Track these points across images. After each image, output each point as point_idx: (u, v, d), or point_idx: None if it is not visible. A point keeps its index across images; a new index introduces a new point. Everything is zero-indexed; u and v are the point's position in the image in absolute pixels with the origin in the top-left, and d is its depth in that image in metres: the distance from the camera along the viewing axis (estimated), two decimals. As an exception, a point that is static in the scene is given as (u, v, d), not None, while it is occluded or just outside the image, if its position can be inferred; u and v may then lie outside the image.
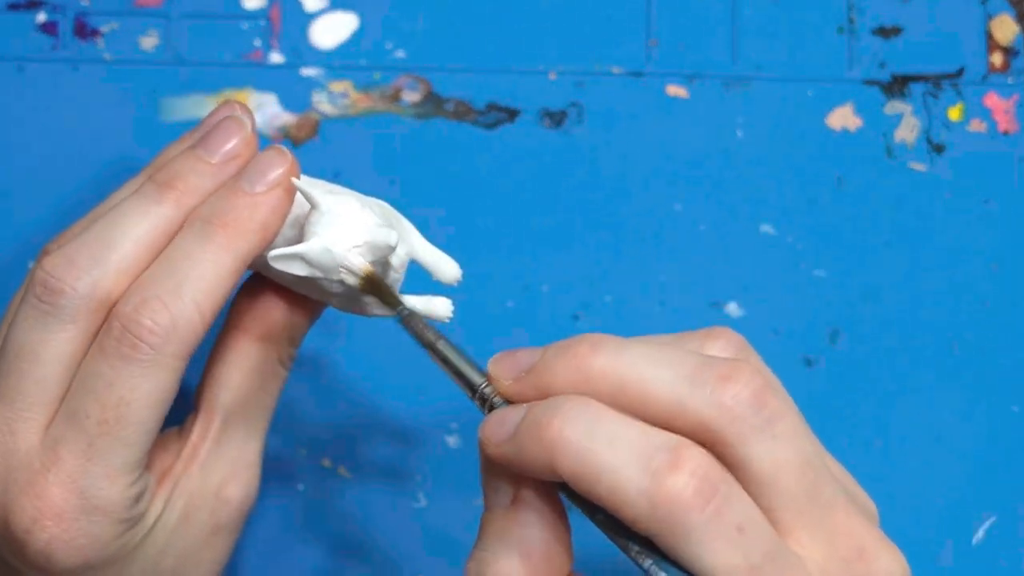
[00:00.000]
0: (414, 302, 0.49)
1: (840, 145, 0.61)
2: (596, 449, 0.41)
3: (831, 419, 0.59)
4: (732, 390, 0.42)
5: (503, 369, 0.45)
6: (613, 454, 0.41)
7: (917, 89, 0.62)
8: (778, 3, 0.62)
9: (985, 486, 0.59)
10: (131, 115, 0.61)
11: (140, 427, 0.46)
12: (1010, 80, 0.62)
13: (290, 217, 0.49)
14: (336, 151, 0.61)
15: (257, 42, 0.62)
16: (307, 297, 0.51)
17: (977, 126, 0.62)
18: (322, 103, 0.61)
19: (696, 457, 0.41)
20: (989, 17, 0.62)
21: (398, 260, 0.50)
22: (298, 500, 0.59)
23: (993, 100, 0.62)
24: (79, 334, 0.47)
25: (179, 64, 0.61)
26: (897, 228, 0.61)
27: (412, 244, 0.51)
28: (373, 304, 0.50)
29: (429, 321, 0.47)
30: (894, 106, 0.62)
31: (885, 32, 0.62)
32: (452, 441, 0.59)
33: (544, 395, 0.43)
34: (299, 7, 0.62)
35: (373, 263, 0.48)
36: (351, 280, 0.47)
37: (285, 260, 0.47)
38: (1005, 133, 0.62)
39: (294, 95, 0.61)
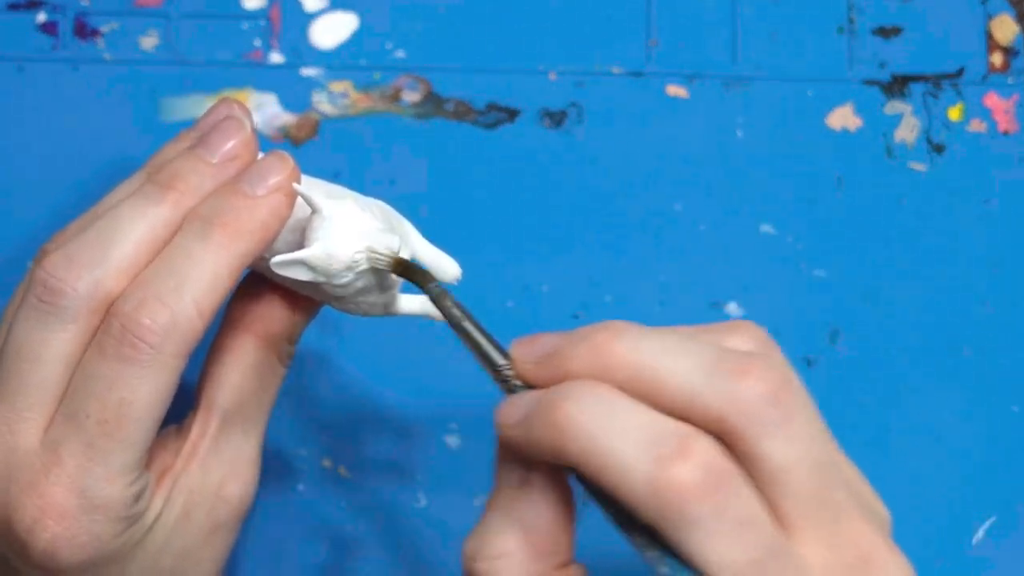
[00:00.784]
0: (409, 304, 0.50)
1: (840, 145, 0.61)
2: (604, 433, 0.41)
3: (831, 419, 0.59)
4: (748, 384, 0.41)
5: (525, 352, 0.45)
6: (621, 439, 0.41)
7: (917, 89, 0.62)
8: (778, 3, 0.62)
9: (985, 486, 0.59)
10: (131, 115, 0.61)
11: (140, 427, 0.46)
12: (1010, 80, 0.62)
13: (291, 221, 0.49)
14: (336, 151, 0.61)
15: (257, 42, 0.62)
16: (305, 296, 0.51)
17: (977, 126, 0.62)
18: (322, 103, 0.61)
19: (704, 447, 0.40)
20: (989, 17, 0.62)
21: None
22: (298, 500, 0.59)
23: (993, 100, 0.62)
24: (80, 334, 0.47)
25: (179, 64, 0.61)
26: (897, 228, 0.61)
27: (412, 244, 0.51)
28: (372, 304, 0.50)
29: (457, 299, 0.47)
30: (894, 106, 0.62)
31: (885, 32, 0.62)
32: (452, 441, 0.59)
33: (563, 379, 0.43)
34: (299, 7, 0.62)
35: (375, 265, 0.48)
36: (380, 265, 0.48)
37: (288, 266, 0.48)
38: (1005, 133, 0.62)
39: (294, 95, 0.61)
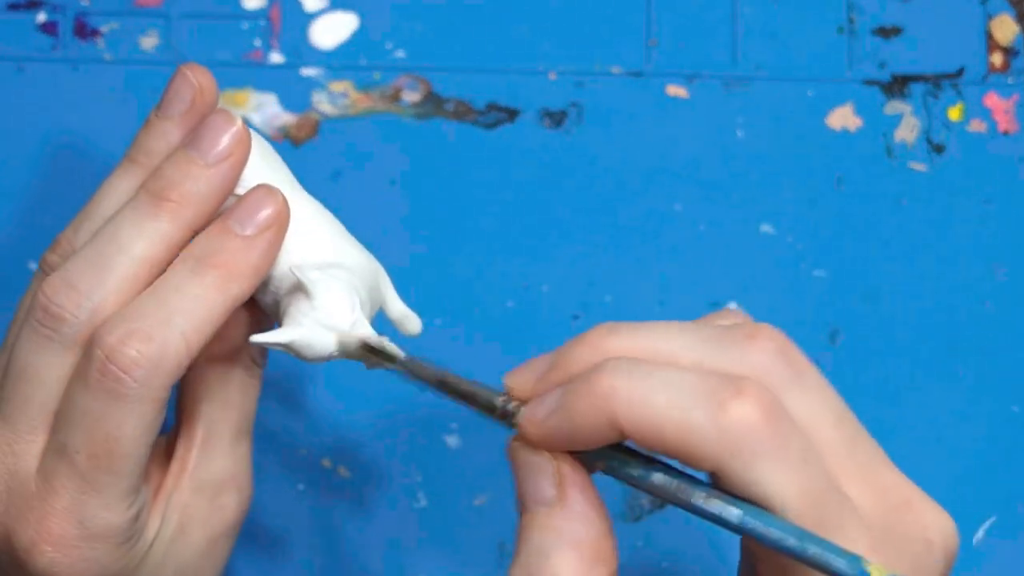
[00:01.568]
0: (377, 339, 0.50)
1: (840, 145, 0.61)
2: (655, 392, 0.41)
3: (831, 419, 0.59)
4: (759, 345, 0.42)
5: (521, 378, 0.44)
6: (674, 393, 0.41)
7: (917, 89, 0.62)
8: (778, 3, 0.62)
9: (985, 486, 0.59)
10: (131, 115, 0.61)
11: (130, 460, 0.46)
12: (1010, 80, 0.62)
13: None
14: (336, 151, 0.61)
15: (257, 42, 0.62)
16: None
17: (977, 126, 0.62)
18: (322, 103, 0.61)
19: (758, 387, 0.41)
20: (989, 17, 0.62)
21: (368, 317, 0.49)
22: (298, 500, 0.59)
23: (993, 100, 0.62)
24: (79, 359, 0.47)
25: (179, 64, 0.61)
26: (897, 228, 0.61)
27: (384, 296, 0.51)
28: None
29: (426, 360, 0.47)
30: (894, 106, 0.62)
31: (885, 32, 0.62)
32: (452, 441, 0.59)
33: None
34: (299, 7, 0.62)
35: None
36: (349, 350, 0.47)
37: (265, 339, 0.47)
38: (1005, 133, 0.62)
39: (294, 95, 0.61)
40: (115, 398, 0.45)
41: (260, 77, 0.61)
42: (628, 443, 0.43)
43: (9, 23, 0.62)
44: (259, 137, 0.50)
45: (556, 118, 0.61)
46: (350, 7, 0.62)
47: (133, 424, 0.46)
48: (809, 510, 0.41)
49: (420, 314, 0.59)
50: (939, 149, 0.62)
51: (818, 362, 0.60)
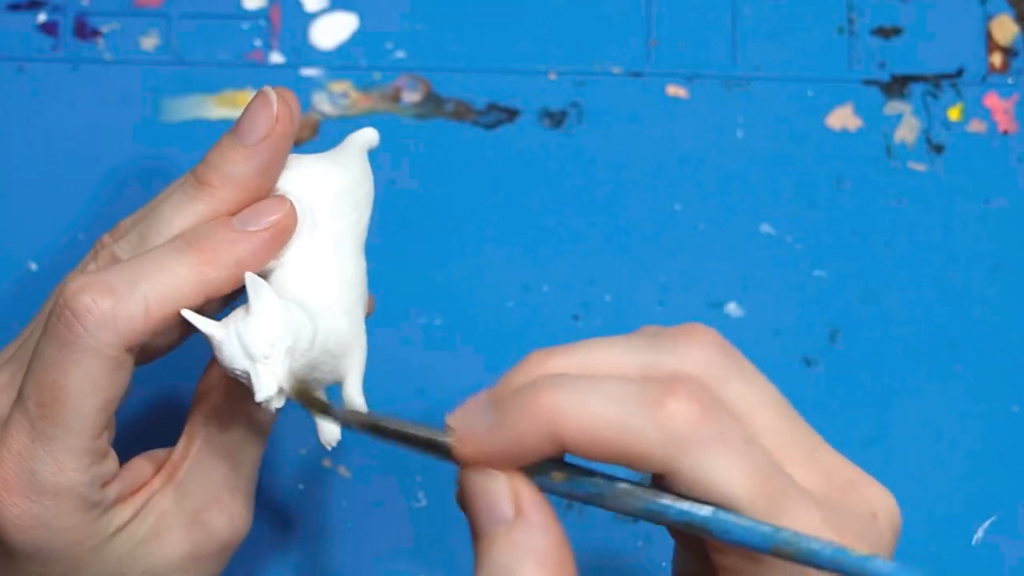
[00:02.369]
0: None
1: (840, 145, 0.61)
2: (593, 401, 0.42)
3: (831, 419, 0.59)
4: (696, 340, 0.43)
5: (465, 415, 0.44)
6: (613, 403, 0.42)
7: (917, 89, 0.62)
8: (778, 3, 0.62)
9: (985, 486, 0.59)
10: (131, 115, 0.61)
11: (76, 414, 0.46)
12: (1010, 80, 0.62)
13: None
14: (336, 151, 0.61)
15: (257, 42, 0.62)
16: None
17: (977, 126, 0.62)
18: (322, 103, 0.61)
19: (690, 383, 0.42)
20: (989, 17, 0.63)
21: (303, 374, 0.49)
22: (298, 500, 0.59)
23: (993, 100, 0.62)
24: None
25: (179, 64, 0.61)
26: (897, 228, 0.61)
27: (346, 376, 0.50)
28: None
29: (359, 410, 0.46)
30: (894, 106, 0.62)
31: (885, 32, 0.62)
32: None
33: (516, 444, 0.43)
34: (299, 7, 0.62)
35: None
36: (285, 391, 0.47)
37: (192, 317, 0.47)
38: (1005, 133, 0.62)
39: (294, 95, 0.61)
40: (63, 344, 0.46)
41: (260, 77, 0.61)
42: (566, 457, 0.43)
43: (9, 23, 0.62)
44: (352, 177, 0.50)
45: (556, 118, 0.61)
46: (350, 7, 0.62)
47: (79, 375, 0.46)
48: (759, 492, 0.41)
49: (420, 314, 0.60)
50: (939, 149, 0.62)
51: (818, 362, 0.60)
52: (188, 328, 0.47)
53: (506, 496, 0.43)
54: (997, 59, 0.62)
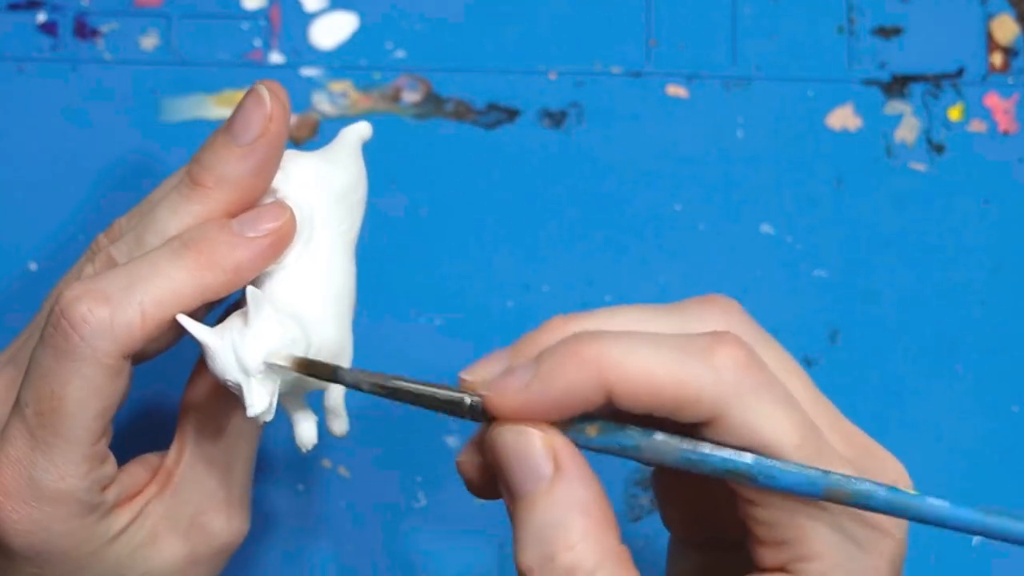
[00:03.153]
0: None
1: (840, 145, 0.61)
2: (643, 350, 0.42)
3: (831, 419, 0.59)
4: (720, 307, 0.44)
5: (482, 371, 0.44)
6: (662, 349, 0.42)
7: (917, 89, 0.62)
8: (778, 3, 0.62)
9: (985, 486, 0.59)
10: (131, 115, 0.61)
11: (75, 423, 0.46)
12: (1010, 80, 0.62)
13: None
14: (336, 151, 0.61)
15: (257, 42, 0.62)
16: None
17: (977, 126, 0.62)
18: (322, 103, 0.61)
19: (735, 336, 0.42)
20: (989, 17, 0.63)
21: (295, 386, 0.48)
22: (298, 500, 0.59)
23: (993, 100, 0.62)
24: None
25: (179, 64, 0.61)
26: (897, 228, 0.61)
27: (331, 384, 0.49)
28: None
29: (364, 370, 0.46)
30: (894, 106, 0.62)
31: (885, 32, 0.62)
32: (452, 441, 0.59)
33: (559, 390, 0.42)
34: (299, 7, 0.62)
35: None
36: (285, 374, 0.47)
37: (187, 323, 0.46)
38: (1005, 133, 0.62)
39: (294, 95, 0.61)
40: (61, 354, 0.45)
41: (260, 77, 0.61)
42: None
43: (9, 23, 0.62)
44: (349, 180, 0.50)
45: (556, 118, 0.61)
46: (350, 7, 0.62)
47: (77, 384, 0.45)
48: (805, 443, 0.42)
49: (421, 314, 0.60)
50: (939, 149, 0.62)
51: (818, 362, 0.60)
52: (183, 331, 0.47)
53: (543, 452, 0.43)
54: (997, 59, 0.62)
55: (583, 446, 0.43)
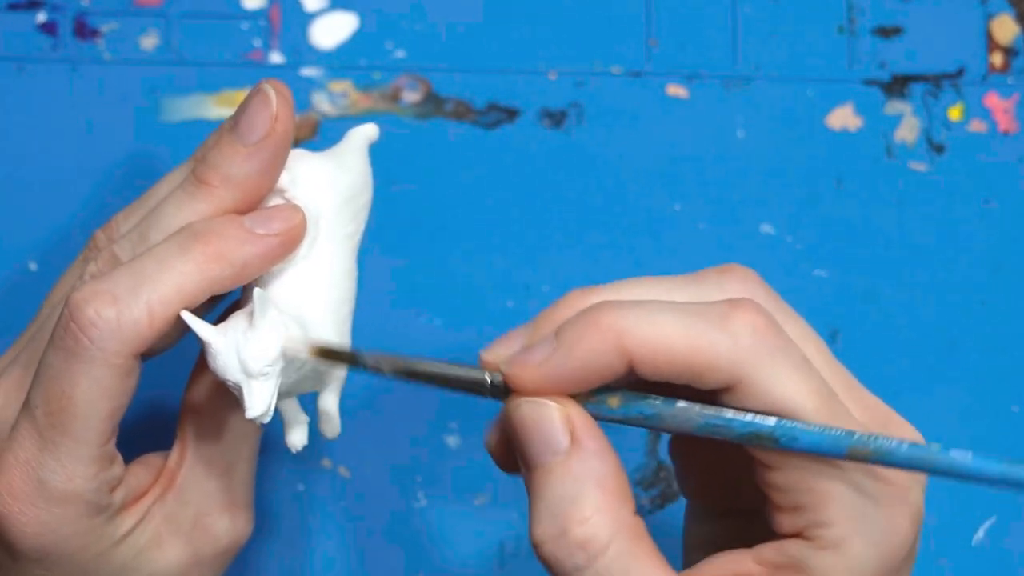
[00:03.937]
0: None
1: (840, 145, 0.61)
2: (662, 317, 0.42)
3: (831, 419, 0.59)
4: (737, 275, 0.45)
5: (502, 349, 0.44)
6: (681, 315, 0.42)
7: (917, 89, 0.62)
8: (778, 3, 0.62)
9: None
10: (131, 115, 0.61)
11: (85, 423, 0.46)
12: (1010, 80, 0.62)
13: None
14: (336, 151, 0.61)
15: (257, 42, 0.62)
16: None
17: (977, 126, 0.62)
18: (322, 103, 0.61)
19: (752, 302, 0.43)
20: (989, 17, 0.63)
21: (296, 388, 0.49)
22: (298, 500, 0.59)
23: (993, 100, 0.62)
24: None
25: (179, 64, 0.61)
26: (897, 228, 0.61)
27: (326, 387, 0.49)
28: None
29: (386, 350, 0.46)
30: (894, 106, 0.62)
31: (885, 32, 0.62)
32: (452, 441, 0.59)
33: (579, 358, 0.43)
34: (299, 7, 0.62)
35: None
36: (302, 363, 0.46)
37: (192, 320, 0.46)
38: (1005, 133, 0.62)
39: (294, 95, 0.61)
40: (71, 356, 0.45)
41: (260, 77, 0.61)
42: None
43: (9, 23, 0.62)
44: (356, 183, 0.50)
45: (556, 118, 0.61)
46: (350, 7, 0.62)
47: (87, 385, 0.45)
48: (824, 407, 0.42)
49: (421, 313, 0.60)
50: (939, 149, 0.62)
51: (818, 362, 0.60)
52: (188, 328, 0.47)
53: (560, 424, 0.43)
54: (997, 59, 0.62)
55: (606, 417, 0.43)
